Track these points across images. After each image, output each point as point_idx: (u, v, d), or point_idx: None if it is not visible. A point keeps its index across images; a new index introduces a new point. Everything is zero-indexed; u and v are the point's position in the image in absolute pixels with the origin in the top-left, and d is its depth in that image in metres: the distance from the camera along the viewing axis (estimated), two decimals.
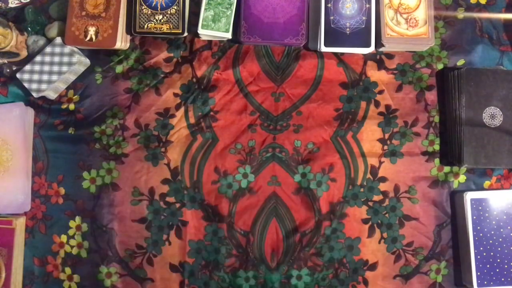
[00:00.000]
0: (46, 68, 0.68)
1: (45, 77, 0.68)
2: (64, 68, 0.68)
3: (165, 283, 0.66)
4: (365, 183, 0.67)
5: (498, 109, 0.65)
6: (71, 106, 0.70)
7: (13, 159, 0.68)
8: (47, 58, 0.68)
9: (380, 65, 0.70)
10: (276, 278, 0.65)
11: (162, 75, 0.70)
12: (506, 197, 0.65)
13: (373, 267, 0.66)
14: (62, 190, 0.68)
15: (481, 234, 0.63)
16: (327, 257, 0.65)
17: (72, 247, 0.67)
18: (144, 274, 0.66)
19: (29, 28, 0.71)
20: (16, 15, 0.72)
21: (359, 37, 0.66)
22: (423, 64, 0.70)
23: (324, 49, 0.66)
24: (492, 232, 0.64)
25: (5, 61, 0.71)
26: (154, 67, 0.70)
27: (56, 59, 0.68)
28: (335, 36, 0.66)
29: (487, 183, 0.68)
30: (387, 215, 0.67)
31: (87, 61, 0.70)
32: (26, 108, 0.69)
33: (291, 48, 0.70)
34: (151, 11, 0.68)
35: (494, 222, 0.64)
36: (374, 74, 0.69)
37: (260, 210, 0.66)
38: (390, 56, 0.70)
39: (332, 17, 0.66)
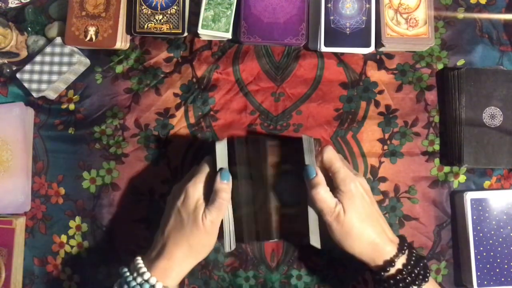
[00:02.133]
0: (46, 68, 0.68)
1: (45, 77, 0.68)
2: (64, 68, 0.68)
3: None
4: None
5: (498, 109, 0.65)
6: (71, 106, 0.70)
7: (13, 159, 0.68)
8: (47, 58, 0.68)
9: (380, 65, 0.70)
10: (276, 278, 0.65)
11: (162, 75, 0.70)
12: (506, 197, 0.65)
13: None
14: (62, 190, 0.68)
15: (481, 234, 0.63)
16: (327, 257, 0.65)
17: (72, 247, 0.67)
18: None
19: (29, 28, 0.71)
20: (16, 15, 0.72)
21: (359, 37, 0.66)
22: (423, 64, 0.70)
23: (324, 49, 0.66)
24: (492, 232, 0.64)
25: (5, 61, 0.71)
26: (154, 67, 0.70)
27: (56, 59, 0.68)
28: (335, 36, 0.66)
29: (487, 183, 0.68)
30: (387, 215, 0.66)
31: (87, 61, 0.70)
32: (26, 108, 0.69)
33: (291, 48, 0.70)
34: (151, 11, 0.68)
35: (494, 222, 0.64)
36: (374, 74, 0.69)
37: None
38: (390, 56, 0.70)
39: (332, 17, 0.66)
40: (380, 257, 0.53)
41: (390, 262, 0.53)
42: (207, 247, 0.56)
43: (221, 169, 0.56)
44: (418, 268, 0.53)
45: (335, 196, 0.54)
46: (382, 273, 0.53)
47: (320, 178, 0.54)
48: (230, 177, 0.56)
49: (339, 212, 0.53)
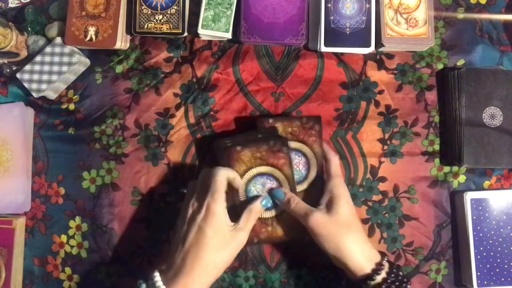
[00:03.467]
0: (46, 68, 0.68)
1: (45, 77, 0.68)
2: (64, 68, 0.68)
3: None
4: (364, 183, 0.67)
5: (498, 109, 0.65)
6: (71, 106, 0.70)
7: (13, 159, 0.68)
8: (47, 58, 0.68)
9: (380, 65, 0.70)
10: (275, 277, 0.65)
11: (162, 75, 0.70)
12: (506, 197, 0.65)
13: None
14: (62, 190, 0.68)
15: (481, 234, 0.63)
16: (327, 257, 0.65)
17: (72, 247, 0.67)
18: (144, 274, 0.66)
19: (29, 28, 0.71)
20: (16, 15, 0.72)
21: (359, 37, 0.66)
22: (423, 64, 0.70)
23: (324, 49, 0.66)
24: (492, 232, 0.64)
25: (5, 61, 0.71)
26: (154, 67, 0.70)
27: (56, 59, 0.68)
28: (335, 36, 0.66)
29: (487, 183, 0.68)
30: (387, 215, 0.67)
31: (87, 61, 0.70)
32: (26, 108, 0.69)
33: (291, 48, 0.70)
34: (151, 11, 0.68)
35: (494, 222, 0.64)
36: (374, 74, 0.69)
37: None
38: (390, 56, 0.70)
39: (332, 17, 0.66)
40: (364, 268, 0.55)
41: (376, 270, 0.54)
42: (229, 263, 0.55)
43: (268, 193, 0.59)
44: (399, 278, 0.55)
45: (327, 199, 0.58)
46: (369, 282, 0.54)
47: (289, 195, 0.58)
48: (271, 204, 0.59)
49: (317, 215, 0.56)
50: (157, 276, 0.53)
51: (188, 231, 0.54)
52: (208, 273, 0.53)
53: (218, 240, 0.53)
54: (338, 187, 0.58)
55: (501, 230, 0.64)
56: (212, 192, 0.54)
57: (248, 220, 0.55)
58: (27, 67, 0.68)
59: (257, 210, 0.57)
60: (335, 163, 0.61)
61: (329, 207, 0.56)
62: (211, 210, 0.53)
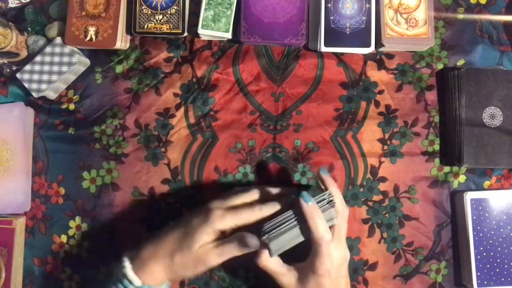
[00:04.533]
0: (46, 68, 0.68)
1: (45, 77, 0.68)
2: (64, 68, 0.68)
3: None
4: (364, 183, 0.67)
5: (498, 109, 0.65)
6: (71, 106, 0.70)
7: (13, 159, 0.68)
8: (47, 58, 0.68)
9: (380, 65, 0.70)
10: None
11: (162, 75, 0.70)
12: (506, 197, 0.65)
13: (373, 267, 0.66)
14: (62, 190, 0.68)
15: (481, 234, 0.63)
16: None
17: (72, 247, 0.67)
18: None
19: (29, 28, 0.71)
20: (16, 15, 0.72)
21: (359, 37, 0.66)
22: (423, 64, 0.70)
23: (324, 49, 0.66)
24: (492, 232, 0.64)
25: (5, 61, 0.71)
26: (154, 67, 0.70)
27: (56, 59, 0.68)
28: (335, 36, 0.66)
29: (487, 183, 0.68)
30: (387, 215, 0.67)
31: (87, 61, 0.70)
32: (26, 108, 0.69)
33: (291, 48, 0.70)
34: (151, 11, 0.68)
35: (494, 222, 0.64)
36: (374, 74, 0.69)
37: None
38: (390, 56, 0.70)
39: (332, 17, 0.66)
40: None
41: None
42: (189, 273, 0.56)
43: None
44: None
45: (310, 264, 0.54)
46: None
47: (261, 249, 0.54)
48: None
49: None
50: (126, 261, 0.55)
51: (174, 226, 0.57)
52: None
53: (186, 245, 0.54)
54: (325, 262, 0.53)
55: (501, 230, 0.64)
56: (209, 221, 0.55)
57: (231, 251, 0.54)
58: (27, 67, 0.68)
59: (252, 243, 0.53)
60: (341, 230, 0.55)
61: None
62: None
